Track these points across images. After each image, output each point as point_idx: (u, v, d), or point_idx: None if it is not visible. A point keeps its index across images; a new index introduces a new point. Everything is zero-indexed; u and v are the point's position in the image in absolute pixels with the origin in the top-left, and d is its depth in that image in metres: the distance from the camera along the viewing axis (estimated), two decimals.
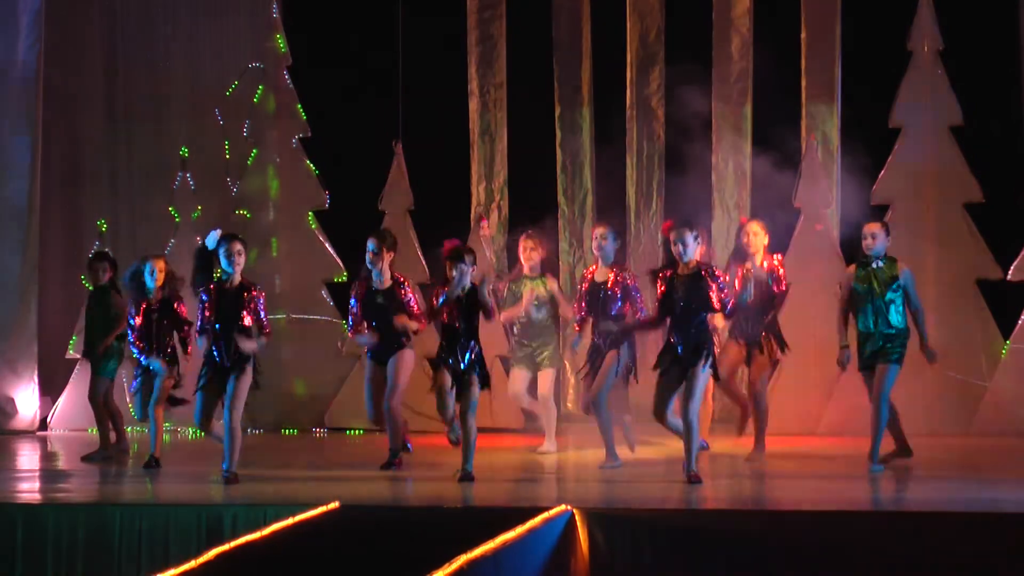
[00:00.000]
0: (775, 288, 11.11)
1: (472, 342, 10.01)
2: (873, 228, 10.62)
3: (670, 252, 9.81)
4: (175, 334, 11.40)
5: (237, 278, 9.99)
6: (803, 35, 14.62)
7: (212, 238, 10.12)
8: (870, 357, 10.51)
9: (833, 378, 13.07)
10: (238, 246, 10.02)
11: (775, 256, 11.19)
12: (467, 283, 9.97)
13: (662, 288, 9.75)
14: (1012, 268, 13.76)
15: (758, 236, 11.11)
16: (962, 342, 13.80)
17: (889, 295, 10.46)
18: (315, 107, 15.01)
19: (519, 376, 11.94)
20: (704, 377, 9.75)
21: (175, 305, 11.40)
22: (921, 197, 13.86)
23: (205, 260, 10.08)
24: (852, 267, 10.71)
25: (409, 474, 10.62)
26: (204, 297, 9.99)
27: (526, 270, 11.88)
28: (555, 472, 11.14)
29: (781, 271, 11.13)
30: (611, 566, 8.36)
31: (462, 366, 9.96)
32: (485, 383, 10.06)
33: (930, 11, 14.02)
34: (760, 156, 14.22)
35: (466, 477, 9.97)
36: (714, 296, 9.63)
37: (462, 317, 9.98)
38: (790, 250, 13.38)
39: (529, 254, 11.82)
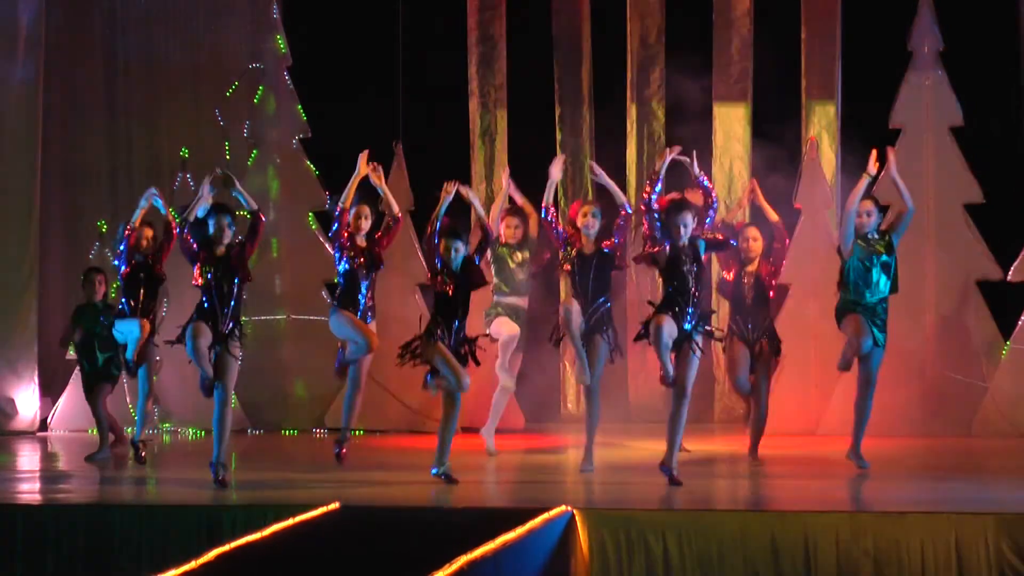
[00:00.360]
0: (769, 294, 11.33)
1: (464, 319, 9.97)
2: (867, 206, 10.80)
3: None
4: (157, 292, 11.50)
5: (223, 248, 9.88)
6: (803, 35, 14.60)
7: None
8: (870, 316, 10.60)
9: (833, 378, 13.05)
10: (225, 220, 9.87)
11: (770, 261, 11.29)
12: (461, 259, 9.95)
13: (668, 254, 9.79)
14: (1012, 268, 13.74)
15: (757, 242, 11.27)
16: (962, 342, 13.79)
17: (886, 259, 10.71)
18: (315, 107, 14.99)
19: (506, 321, 11.67)
20: (695, 364, 9.72)
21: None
22: (921, 197, 13.83)
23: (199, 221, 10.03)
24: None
25: (407, 476, 10.61)
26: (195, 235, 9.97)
27: (503, 240, 11.74)
28: (555, 472, 11.13)
29: (773, 281, 11.25)
30: (611, 566, 8.36)
31: (451, 341, 9.94)
32: (471, 358, 10.00)
33: (930, 11, 14.00)
34: (760, 156, 14.21)
35: (448, 479, 9.87)
36: (712, 237, 10.00)
37: (457, 288, 9.94)
38: (790, 250, 13.37)
39: (513, 232, 11.74)
